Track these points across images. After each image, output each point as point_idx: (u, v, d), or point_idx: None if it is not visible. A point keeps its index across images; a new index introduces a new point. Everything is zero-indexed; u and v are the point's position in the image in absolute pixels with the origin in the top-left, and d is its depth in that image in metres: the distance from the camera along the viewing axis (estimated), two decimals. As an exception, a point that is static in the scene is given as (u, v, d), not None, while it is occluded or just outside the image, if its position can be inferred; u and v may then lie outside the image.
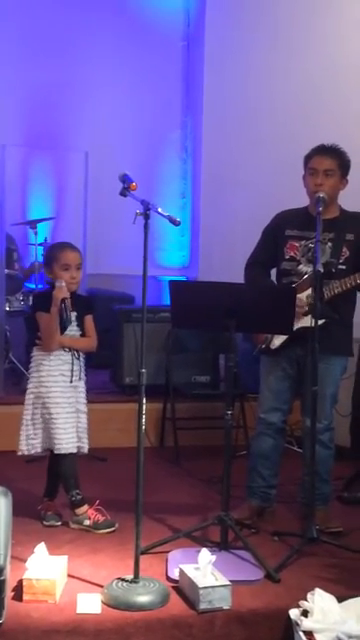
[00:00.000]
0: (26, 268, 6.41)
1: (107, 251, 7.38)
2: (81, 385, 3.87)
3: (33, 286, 6.30)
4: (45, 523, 3.81)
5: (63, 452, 3.75)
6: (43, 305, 3.75)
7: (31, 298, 5.91)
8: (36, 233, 6.43)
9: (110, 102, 7.48)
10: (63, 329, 3.77)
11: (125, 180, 3.13)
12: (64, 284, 3.73)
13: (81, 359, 3.86)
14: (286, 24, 6.69)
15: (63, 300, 3.72)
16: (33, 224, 6.47)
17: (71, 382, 3.80)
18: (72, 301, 3.84)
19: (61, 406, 3.76)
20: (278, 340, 3.83)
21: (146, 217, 3.07)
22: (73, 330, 3.84)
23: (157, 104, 7.69)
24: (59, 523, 3.82)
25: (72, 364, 3.81)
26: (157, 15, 7.67)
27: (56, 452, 3.76)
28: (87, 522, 3.76)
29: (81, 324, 3.87)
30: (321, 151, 3.77)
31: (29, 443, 3.78)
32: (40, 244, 6.47)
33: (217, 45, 7.20)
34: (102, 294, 6.71)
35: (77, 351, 3.83)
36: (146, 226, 3.07)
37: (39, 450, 3.80)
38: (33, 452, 3.80)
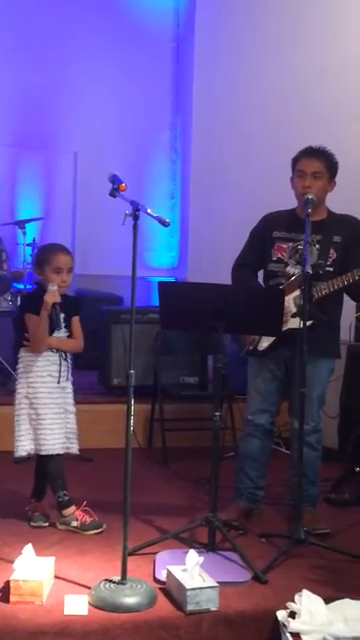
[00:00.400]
0: (14, 270, 6.39)
1: (96, 252, 7.39)
2: (69, 386, 3.86)
3: (22, 287, 6.28)
4: (32, 524, 3.80)
5: (50, 453, 3.74)
6: (32, 307, 3.74)
7: (19, 299, 5.90)
8: (25, 233, 6.42)
9: (100, 103, 7.49)
10: (51, 332, 3.75)
11: (115, 181, 3.12)
12: (56, 288, 3.71)
13: (69, 360, 3.85)
14: (276, 26, 6.72)
15: (54, 305, 3.70)
16: (22, 224, 6.46)
17: (59, 383, 3.79)
18: (61, 303, 3.83)
19: (49, 407, 3.75)
20: (266, 342, 3.83)
21: (135, 218, 3.06)
22: (61, 331, 3.83)
23: (147, 105, 7.69)
24: (46, 524, 3.81)
25: (60, 365, 3.80)
26: (147, 16, 7.68)
27: (43, 453, 3.75)
28: (74, 523, 3.75)
29: (68, 325, 3.86)
30: (309, 153, 3.77)
31: (17, 445, 3.76)
32: (29, 244, 6.46)
33: (207, 46, 7.22)
34: (90, 295, 6.70)
35: (64, 352, 3.83)
36: (135, 227, 3.06)
37: (24, 454, 3.77)
38: (20, 454, 3.77)
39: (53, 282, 3.72)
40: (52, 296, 3.69)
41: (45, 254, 3.82)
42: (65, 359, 3.82)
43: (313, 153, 3.77)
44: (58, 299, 3.72)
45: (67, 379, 3.84)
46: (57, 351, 3.80)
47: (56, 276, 3.74)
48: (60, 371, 3.79)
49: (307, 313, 3.48)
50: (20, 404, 3.78)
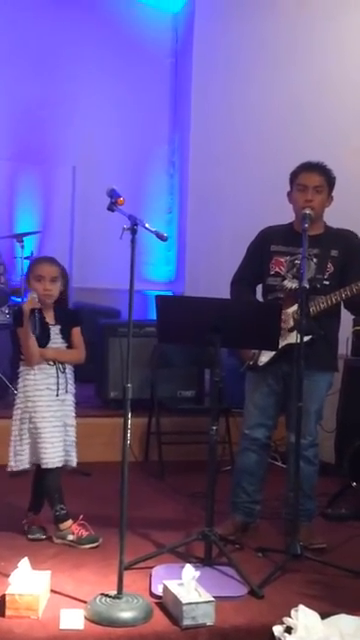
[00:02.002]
0: (13, 287, 6.38)
1: (93, 265, 7.40)
2: (68, 398, 3.85)
3: (20, 300, 6.28)
4: (30, 536, 3.79)
5: (50, 466, 3.74)
6: (20, 319, 3.74)
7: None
8: (23, 247, 6.42)
9: (98, 117, 7.52)
10: (42, 344, 3.74)
11: (113, 195, 3.14)
12: (35, 295, 3.72)
13: (67, 372, 3.84)
14: (273, 42, 6.77)
15: (33, 311, 3.66)
16: (20, 238, 6.46)
17: (57, 395, 3.79)
18: (55, 314, 3.83)
19: (47, 420, 3.75)
20: (265, 357, 3.83)
21: (133, 232, 3.07)
22: (58, 343, 3.83)
23: (145, 119, 7.74)
24: (44, 537, 3.80)
25: (57, 377, 3.80)
26: (146, 32, 7.74)
27: (43, 466, 3.74)
28: (71, 537, 3.74)
29: (67, 337, 3.86)
30: (309, 168, 3.79)
31: (17, 459, 3.75)
32: (27, 258, 6.46)
33: (205, 62, 7.27)
34: (88, 308, 6.70)
35: (62, 364, 3.82)
36: (133, 241, 3.07)
37: (27, 466, 3.77)
38: (22, 468, 3.77)
39: (36, 290, 3.75)
40: (29, 302, 3.68)
41: (30, 265, 3.92)
42: (63, 371, 3.82)
43: (313, 167, 3.79)
44: (37, 305, 3.69)
45: (66, 391, 3.83)
46: (54, 363, 3.80)
47: (38, 284, 3.76)
48: (58, 384, 3.79)
49: (305, 328, 3.48)
50: (20, 418, 3.78)
